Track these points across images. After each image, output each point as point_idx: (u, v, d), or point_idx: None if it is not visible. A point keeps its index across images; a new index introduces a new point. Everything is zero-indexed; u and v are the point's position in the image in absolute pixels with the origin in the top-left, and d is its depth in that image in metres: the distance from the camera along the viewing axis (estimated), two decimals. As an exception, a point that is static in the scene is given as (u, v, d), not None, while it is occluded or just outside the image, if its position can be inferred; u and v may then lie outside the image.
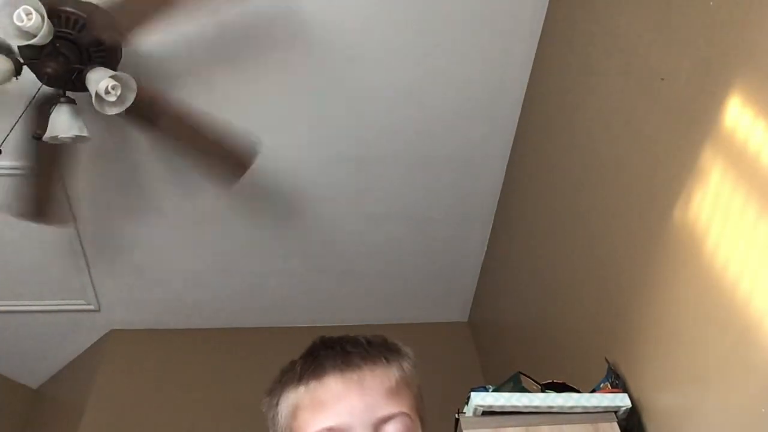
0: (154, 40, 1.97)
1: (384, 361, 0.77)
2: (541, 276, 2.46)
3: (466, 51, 2.36)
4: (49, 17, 1.56)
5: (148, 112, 1.90)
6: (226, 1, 2.02)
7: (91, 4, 1.76)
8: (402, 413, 0.73)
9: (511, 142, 2.66)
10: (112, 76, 1.66)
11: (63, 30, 1.70)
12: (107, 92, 1.65)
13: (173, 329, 3.27)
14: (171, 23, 1.77)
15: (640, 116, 1.73)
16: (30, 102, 1.85)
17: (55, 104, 1.78)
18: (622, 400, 1.66)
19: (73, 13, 1.70)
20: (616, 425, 1.63)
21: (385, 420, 0.72)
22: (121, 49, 1.85)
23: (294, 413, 0.76)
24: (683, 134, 1.52)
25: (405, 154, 2.67)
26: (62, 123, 1.74)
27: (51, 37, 1.61)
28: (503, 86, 2.48)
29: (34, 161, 2.03)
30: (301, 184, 2.72)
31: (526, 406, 1.64)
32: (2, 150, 1.82)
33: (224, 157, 2.02)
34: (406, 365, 0.79)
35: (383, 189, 2.79)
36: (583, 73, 2.07)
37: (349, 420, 0.71)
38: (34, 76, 1.78)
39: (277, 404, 0.80)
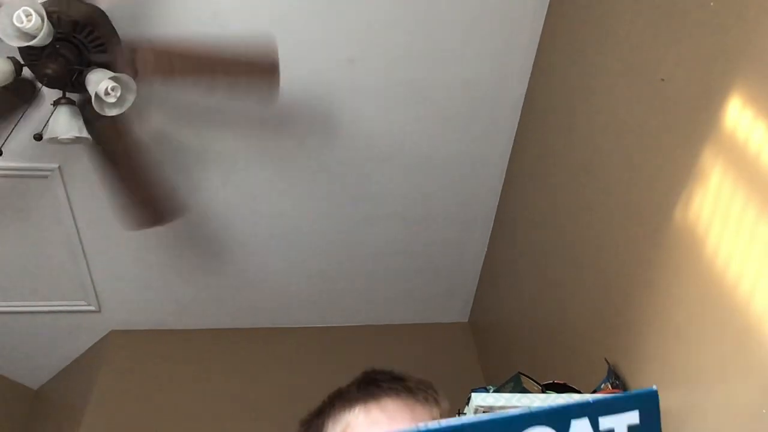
0: None
1: (433, 398, 0.83)
2: (542, 276, 2.46)
3: (466, 52, 2.36)
4: (48, 18, 1.56)
5: (161, 67, 1.87)
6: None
7: (89, 5, 1.76)
8: None
9: (512, 143, 2.66)
10: (111, 78, 1.66)
11: (59, 30, 1.70)
12: (107, 93, 1.65)
13: (173, 330, 3.26)
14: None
15: (640, 117, 1.73)
16: (30, 103, 1.85)
17: (55, 105, 1.78)
18: (622, 401, 1.66)
19: (57, 11, 1.70)
20: (616, 426, 1.63)
21: None
22: (111, 25, 1.82)
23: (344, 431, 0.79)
24: (683, 134, 1.52)
25: (405, 155, 2.67)
26: (62, 124, 1.74)
27: (51, 39, 1.61)
28: (503, 87, 2.48)
29: (112, 173, 2.02)
30: (298, 188, 2.72)
31: (527, 407, 1.63)
32: (2, 151, 1.82)
33: (250, 70, 1.96)
34: (445, 403, 0.85)
35: (383, 189, 2.79)
36: (583, 74, 2.07)
37: None
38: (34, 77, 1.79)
39: (322, 425, 0.83)
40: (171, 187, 2.11)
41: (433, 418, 0.81)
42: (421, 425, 0.47)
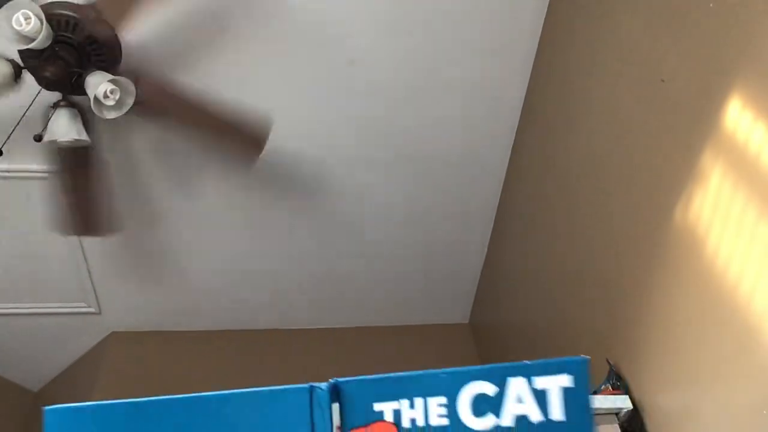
0: (147, 29, 1.97)
1: None
2: (542, 278, 2.45)
3: (466, 52, 2.36)
4: (47, 21, 1.56)
5: (154, 103, 1.88)
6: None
7: (87, 5, 1.76)
8: None
9: (512, 144, 2.65)
10: (110, 80, 1.65)
11: (62, 34, 1.70)
12: (106, 96, 1.65)
13: (174, 332, 3.27)
14: (160, 8, 1.77)
15: (641, 117, 1.73)
16: (29, 106, 1.85)
17: (55, 108, 1.78)
18: (623, 402, 1.66)
19: (71, 16, 1.70)
20: (617, 427, 1.63)
21: None
22: (119, 47, 1.84)
23: None
24: (684, 135, 1.52)
25: (405, 156, 2.66)
26: (61, 127, 1.74)
27: (50, 41, 1.61)
28: (504, 87, 2.48)
29: (65, 173, 2.02)
30: (303, 189, 2.72)
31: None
32: (2, 152, 1.82)
33: (238, 138, 1.99)
34: None
35: (383, 190, 2.79)
36: (583, 74, 2.07)
37: None
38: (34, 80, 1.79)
39: None
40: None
41: None
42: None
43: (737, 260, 1.32)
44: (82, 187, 2.04)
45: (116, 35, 1.79)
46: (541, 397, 0.62)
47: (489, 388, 0.62)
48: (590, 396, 0.64)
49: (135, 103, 1.75)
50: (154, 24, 2.01)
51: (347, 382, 0.70)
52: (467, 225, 2.98)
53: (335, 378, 0.75)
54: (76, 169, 2.01)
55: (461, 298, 3.36)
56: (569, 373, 0.62)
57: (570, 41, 2.15)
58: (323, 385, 0.69)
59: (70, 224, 2.17)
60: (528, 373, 0.62)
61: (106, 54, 1.79)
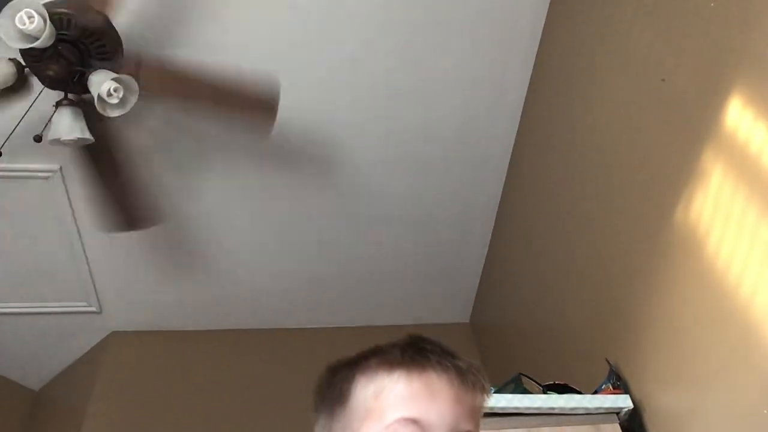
0: (140, 9, 1.97)
1: (482, 381, 0.77)
2: (543, 277, 2.46)
3: (467, 53, 2.37)
4: (50, 20, 1.56)
5: (160, 85, 1.88)
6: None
7: (103, 15, 1.76)
8: None
9: (513, 143, 2.66)
10: (114, 79, 1.66)
11: (61, 32, 1.70)
12: (109, 95, 1.65)
13: (175, 331, 3.26)
14: None
15: (641, 117, 1.73)
16: (31, 105, 1.85)
17: (58, 107, 1.79)
18: (623, 402, 1.66)
19: (65, 12, 1.70)
20: (617, 426, 1.63)
21: None
22: (118, 37, 1.83)
23: (377, 394, 0.73)
24: (684, 135, 1.52)
25: (406, 156, 2.67)
26: (64, 125, 1.75)
27: (53, 40, 1.61)
28: (504, 87, 2.48)
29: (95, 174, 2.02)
30: (302, 188, 2.73)
31: (528, 408, 1.64)
32: (1, 153, 1.82)
33: (249, 104, 1.96)
34: (489, 394, 0.79)
35: (383, 190, 2.79)
36: (583, 75, 2.07)
37: (436, 421, 0.70)
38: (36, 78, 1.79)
39: (352, 380, 0.76)
40: (151, 194, 2.11)
41: (476, 407, 0.75)
42: None
43: (738, 259, 1.32)
44: (110, 183, 2.04)
45: (109, 21, 1.78)
46: None
47: None
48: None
49: (141, 88, 1.74)
50: (144, 3, 1.98)
51: None
52: (468, 224, 2.98)
53: None
54: (99, 165, 2.01)
55: (462, 297, 3.36)
56: None
57: (571, 41, 2.15)
58: None
59: (115, 221, 2.16)
60: None
61: (105, 44, 1.78)
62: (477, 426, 0.74)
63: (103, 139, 1.96)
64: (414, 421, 0.69)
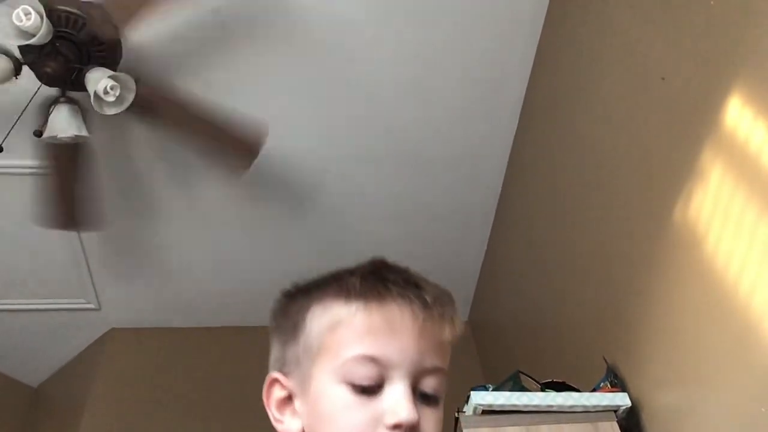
0: (151, 32, 1.97)
1: (450, 313, 0.70)
2: (541, 275, 2.46)
3: (466, 51, 2.36)
4: (48, 17, 1.56)
5: (151, 105, 1.89)
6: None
7: (88, 2, 1.76)
8: (444, 371, 0.68)
9: (512, 141, 2.65)
10: (110, 77, 1.66)
11: (62, 30, 1.70)
12: (106, 92, 1.65)
13: (173, 328, 3.27)
14: (167, 13, 1.77)
15: (641, 116, 1.73)
16: (29, 101, 1.85)
17: (55, 104, 1.78)
18: (621, 400, 1.66)
19: (72, 12, 1.70)
20: (615, 424, 1.64)
21: (429, 372, 0.65)
22: (121, 47, 1.85)
23: (333, 327, 0.66)
24: (683, 133, 1.52)
25: (405, 154, 2.66)
26: (61, 122, 1.74)
27: (50, 37, 1.61)
28: (503, 86, 2.48)
29: (52, 165, 2.02)
30: (301, 185, 2.72)
31: (526, 405, 1.64)
32: (2, 148, 1.82)
33: (232, 145, 1.99)
34: (460, 326, 0.71)
35: (382, 188, 2.79)
36: (583, 73, 2.07)
37: (397, 358, 0.63)
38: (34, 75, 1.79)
39: (308, 310, 0.69)
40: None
41: (444, 342, 0.68)
42: None
43: (737, 258, 1.32)
44: (68, 181, 2.04)
45: (120, 37, 1.79)
46: None
47: None
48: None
49: (132, 104, 1.76)
50: (157, 28, 2.00)
51: None
52: (467, 222, 2.98)
53: None
54: (66, 163, 2.01)
55: (460, 295, 3.36)
56: None
57: (570, 40, 2.15)
58: None
59: (54, 218, 2.17)
60: None
61: (107, 52, 1.79)
62: (445, 362, 0.68)
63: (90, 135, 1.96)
64: (371, 359, 0.63)
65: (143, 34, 1.90)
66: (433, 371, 0.66)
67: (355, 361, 0.63)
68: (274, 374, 0.71)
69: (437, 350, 0.67)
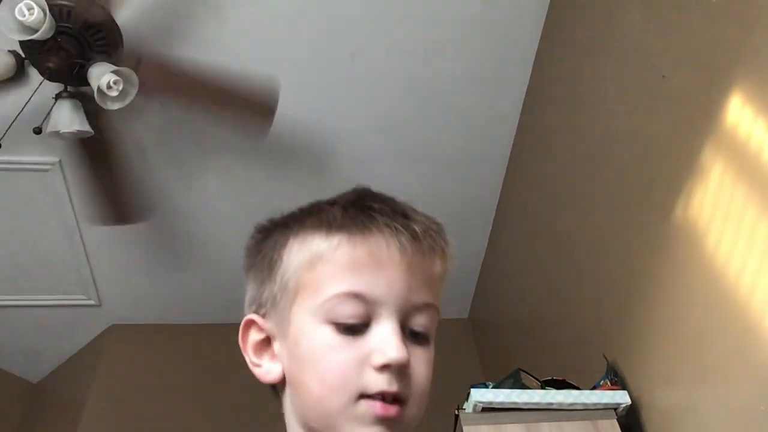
0: (140, 6, 1.96)
1: (441, 244, 0.65)
2: (542, 273, 2.46)
3: (467, 50, 2.36)
4: (50, 12, 1.56)
5: (159, 83, 1.88)
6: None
7: (106, 11, 1.76)
8: (435, 306, 0.63)
9: (512, 140, 2.65)
10: (113, 71, 1.65)
11: (62, 24, 1.70)
12: (109, 87, 1.65)
13: (174, 324, 3.26)
14: None
15: (641, 114, 1.73)
16: (30, 96, 1.85)
17: (57, 99, 1.78)
18: (621, 398, 1.66)
19: (66, 4, 1.70)
20: (615, 422, 1.64)
21: (419, 308, 0.61)
22: (119, 31, 1.83)
23: (312, 263, 0.60)
24: (684, 132, 1.52)
25: (405, 153, 2.66)
26: (64, 117, 1.74)
27: (53, 32, 1.61)
28: (504, 85, 2.48)
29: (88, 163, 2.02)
30: (298, 185, 2.72)
31: (526, 403, 1.64)
32: (2, 144, 1.82)
33: (247, 105, 1.94)
34: (452, 259, 0.67)
35: (382, 187, 2.78)
36: (584, 71, 2.07)
37: (384, 294, 0.59)
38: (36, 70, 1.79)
39: (284, 245, 0.64)
40: (145, 189, 2.11)
41: (435, 276, 0.64)
42: None
43: (737, 256, 1.32)
44: (104, 176, 2.04)
45: (111, 17, 1.78)
46: None
47: None
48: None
49: (140, 85, 1.75)
50: (147, 1, 1.99)
51: None
52: (467, 220, 2.97)
53: None
54: (95, 159, 2.01)
55: (461, 292, 3.36)
56: None
57: (571, 38, 2.15)
58: None
59: (104, 214, 2.16)
60: None
61: (106, 39, 1.78)
62: (436, 297, 0.64)
63: (102, 132, 1.96)
64: (356, 296, 0.58)
65: (135, 10, 1.89)
66: (423, 308, 0.62)
67: (338, 299, 0.58)
68: (250, 316, 0.67)
69: (427, 285, 0.63)
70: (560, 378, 1.78)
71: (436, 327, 0.64)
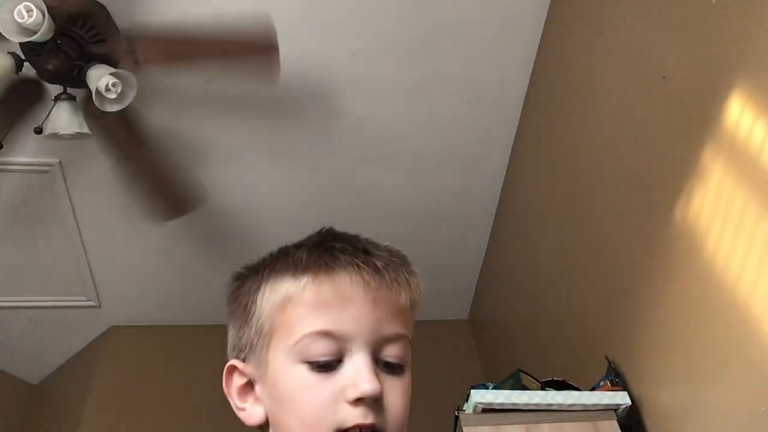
0: None
1: (404, 275, 0.68)
2: (542, 274, 2.46)
3: (467, 51, 2.36)
4: (49, 14, 1.55)
5: (162, 53, 1.86)
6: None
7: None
8: (406, 337, 0.65)
9: (512, 141, 2.65)
10: (112, 74, 1.65)
11: (64, 27, 1.70)
12: (107, 89, 1.65)
13: (173, 326, 3.26)
14: None
15: (641, 115, 1.73)
16: (30, 98, 1.85)
17: (56, 101, 1.78)
18: (621, 398, 1.66)
19: (57, 5, 1.69)
20: (615, 423, 1.64)
21: (389, 339, 0.63)
22: (109, 15, 1.80)
23: (283, 305, 0.63)
24: (684, 133, 1.52)
25: (406, 153, 2.66)
26: (63, 119, 1.74)
27: (52, 34, 1.60)
28: (504, 85, 2.48)
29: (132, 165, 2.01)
30: (298, 183, 2.72)
31: (526, 404, 1.64)
32: (2, 145, 1.82)
33: (249, 51, 1.89)
34: (419, 288, 0.69)
35: (383, 187, 2.79)
36: (583, 72, 2.07)
37: (353, 330, 0.61)
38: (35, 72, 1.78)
39: (257, 290, 0.67)
40: (188, 175, 2.07)
41: (402, 307, 0.66)
42: None
43: (737, 258, 1.32)
44: (153, 170, 2.02)
45: (91, 2, 1.76)
46: None
47: None
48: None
49: (143, 66, 1.73)
50: None
51: None
52: (468, 221, 2.97)
53: None
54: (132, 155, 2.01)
55: (461, 293, 3.36)
56: None
57: (571, 39, 2.14)
58: None
59: (159, 210, 2.16)
60: None
61: (96, 26, 1.76)
62: (407, 327, 0.66)
63: (131, 131, 1.95)
64: (326, 334, 0.60)
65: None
66: (394, 338, 0.64)
67: (310, 338, 0.61)
68: (232, 361, 0.69)
69: (395, 316, 0.65)
70: (560, 379, 1.78)
71: (410, 355, 0.66)
